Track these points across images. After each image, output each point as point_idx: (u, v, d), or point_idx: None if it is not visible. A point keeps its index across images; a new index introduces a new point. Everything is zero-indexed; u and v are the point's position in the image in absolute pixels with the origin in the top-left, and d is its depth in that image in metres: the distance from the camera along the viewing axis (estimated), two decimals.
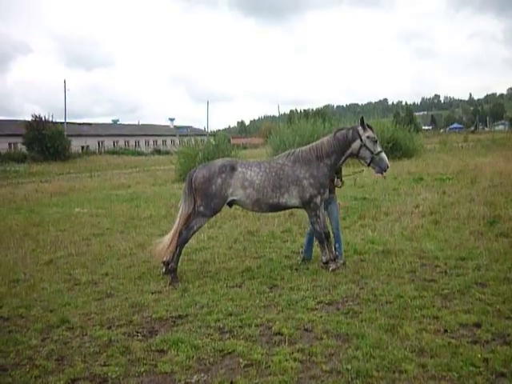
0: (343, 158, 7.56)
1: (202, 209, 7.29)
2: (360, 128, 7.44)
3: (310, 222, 7.63)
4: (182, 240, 7.36)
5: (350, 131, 7.48)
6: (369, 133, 7.42)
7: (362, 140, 7.39)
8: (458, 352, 4.43)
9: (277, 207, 7.54)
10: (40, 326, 5.68)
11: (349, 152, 7.48)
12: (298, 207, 7.70)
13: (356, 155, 7.51)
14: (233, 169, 7.31)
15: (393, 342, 4.72)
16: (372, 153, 7.39)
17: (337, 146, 7.45)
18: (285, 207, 7.62)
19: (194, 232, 7.48)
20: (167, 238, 7.49)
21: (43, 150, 46.34)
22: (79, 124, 72.14)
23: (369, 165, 7.53)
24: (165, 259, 7.47)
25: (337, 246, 7.78)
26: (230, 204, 7.53)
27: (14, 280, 7.66)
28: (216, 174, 7.25)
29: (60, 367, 4.65)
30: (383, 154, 7.44)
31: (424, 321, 5.21)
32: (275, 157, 7.98)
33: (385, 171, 7.56)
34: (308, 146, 7.72)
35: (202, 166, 7.72)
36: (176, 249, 7.37)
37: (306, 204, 7.40)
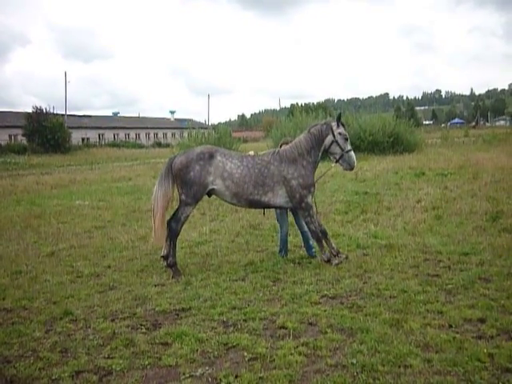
0: (320, 154, 7.57)
1: (183, 197, 7.27)
2: (334, 124, 7.48)
3: (305, 223, 7.57)
4: (172, 233, 7.34)
5: (324, 126, 7.51)
6: (341, 129, 7.47)
7: (334, 136, 7.42)
8: (463, 347, 4.42)
9: (258, 204, 7.46)
10: (43, 318, 5.67)
11: (322, 147, 7.51)
12: (283, 207, 7.63)
13: (326, 151, 7.53)
14: (211, 156, 7.25)
15: (397, 336, 4.71)
16: (342, 150, 7.45)
17: (313, 141, 7.46)
18: (267, 206, 7.53)
19: (183, 222, 7.44)
20: (152, 224, 7.48)
21: (43, 141, 46.25)
22: (79, 116, 71.98)
23: (337, 161, 7.56)
24: (163, 253, 7.44)
25: (311, 243, 7.79)
26: (209, 194, 7.48)
27: (16, 272, 7.64)
28: (194, 160, 7.20)
29: (64, 359, 4.64)
30: (352, 153, 7.53)
31: (428, 316, 5.20)
32: (260, 153, 7.93)
33: (352, 169, 7.75)
34: (289, 145, 7.68)
35: (182, 152, 7.71)
36: (170, 242, 7.36)
37: (297, 204, 7.35)
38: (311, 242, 7.77)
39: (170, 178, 7.37)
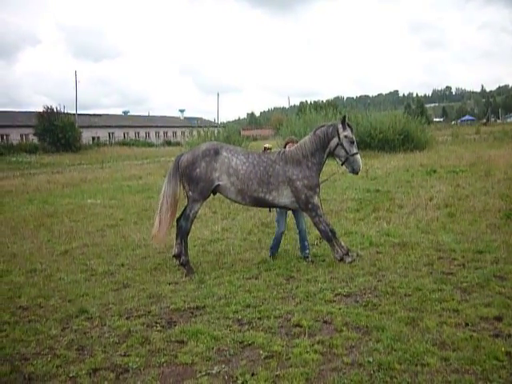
0: (325, 156, 7.50)
1: (191, 194, 7.33)
2: (340, 126, 7.38)
3: (313, 223, 7.53)
4: (183, 231, 7.39)
5: (330, 128, 7.43)
6: (347, 132, 7.34)
7: (339, 138, 7.34)
8: (480, 345, 4.40)
9: (262, 202, 7.45)
10: (59, 316, 5.72)
11: (328, 150, 7.44)
12: (289, 208, 7.59)
13: (332, 153, 7.46)
14: (217, 153, 7.29)
15: (413, 334, 4.69)
16: (347, 153, 7.34)
17: (318, 143, 7.40)
18: (271, 205, 7.53)
19: (192, 219, 7.48)
20: (156, 221, 7.52)
21: (55, 141, 46.60)
22: (90, 115, 72.36)
23: (342, 164, 7.48)
24: (174, 252, 7.47)
25: (306, 243, 7.72)
26: (214, 192, 7.49)
27: (31, 270, 7.72)
28: (199, 157, 7.26)
29: (81, 357, 4.68)
30: (358, 156, 7.40)
31: (444, 314, 5.17)
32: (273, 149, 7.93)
33: (356, 173, 7.59)
34: (294, 146, 7.66)
35: (188, 150, 7.75)
36: (181, 241, 7.39)
37: (304, 205, 7.33)
38: (306, 243, 7.73)
39: (177, 176, 7.44)
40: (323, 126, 7.59)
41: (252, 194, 7.29)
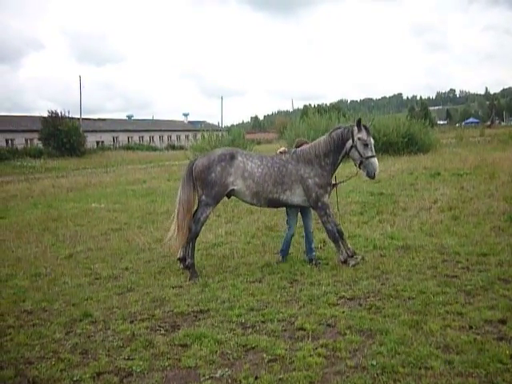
0: (340, 157, 7.49)
1: (204, 198, 7.33)
2: (355, 128, 7.33)
3: (322, 222, 7.56)
4: (192, 234, 7.40)
5: (346, 130, 7.41)
6: (361, 135, 7.24)
7: (353, 141, 7.31)
8: (484, 349, 4.38)
9: (277, 203, 7.50)
10: (63, 320, 5.74)
11: (344, 151, 7.43)
12: (301, 206, 7.61)
13: (347, 155, 7.45)
14: (232, 157, 7.31)
15: (417, 338, 4.68)
16: (361, 156, 7.28)
17: (332, 145, 7.40)
18: (285, 204, 7.57)
19: (202, 223, 7.49)
20: (172, 228, 7.56)
21: (59, 145, 46.76)
22: (94, 120, 72.63)
23: (359, 166, 7.44)
24: (179, 255, 7.50)
25: (313, 246, 7.72)
26: (229, 195, 7.53)
27: (35, 274, 7.74)
28: (215, 162, 7.27)
29: (85, 361, 4.69)
30: (373, 159, 7.25)
31: (448, 317, 5.15)
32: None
33: (372, 178, 7.44)
34: (307, 145, 7.68)
35: (203, 155, 7.80)
36: (188, 244, 7.40)
37: (314, 203, 7.36)
38: (313, 246, 7.73)
39: (191, 181, 7.45)
40: (339, 127, 7.59)
41: (267, 196, 7.34)
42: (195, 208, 7.54)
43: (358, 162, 7.37)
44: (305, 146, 7.67)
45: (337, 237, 7.36)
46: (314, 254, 7.67)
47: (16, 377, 4.45)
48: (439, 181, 15.26)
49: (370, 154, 7.26)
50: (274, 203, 7.52)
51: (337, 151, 7.42)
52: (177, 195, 7.64)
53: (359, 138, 7.26)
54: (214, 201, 7.36)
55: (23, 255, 9.03)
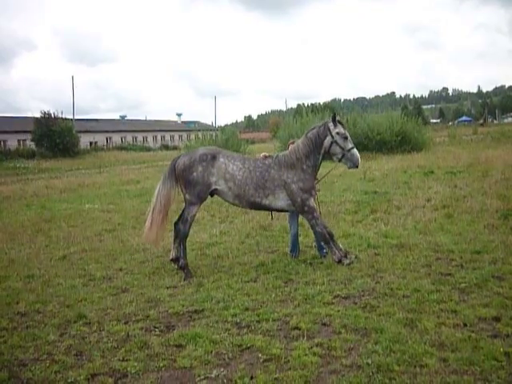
0: (320, 157, 7.51)
1: (188, 197, 7.36)
2: (331, 124, 7.41)
3: (310, 226, 7.57)
4: (181, 234, 7.41)
5: (321, 128, 7.47)
6: (339, 129, 7.38)
7: (332, 136, 7.36)
8: (478, 346, 4.40)
9: (259, 207, 7.51)
10: (57, 322, 5.71)
11: (323, 150, 7.45)
12: (285, 210, 7.68)
13: (328, 152, 7.48)
14: (214, 158, 7.33)
15: (412, 336, 4.69)
16: (343, 149, 7.37)
17: (311, 145, 7.43)
18: (268, 208, 7.58)
19: (190, 223, 7.49)
20: (147, 222, 7.58)
21: (52, 146, 46.54)
22: (87, 120, 72.40)
23: (340, 160, 7.50)
24: (172, 256, 7.47)
25: (322, 243, 7.74)
26: (212, 194, 7.53)
27: (28, 276, 7.69)
28: (197, 161, 7.28)
29: (79, 362, 4.67)
30: (354, 150, 7.42)
31: (442, 315, 5.17)
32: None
33: (356, 166, 7.55)
34: (288, 150, 7.71)
35: (185, 153, 7.82)
36: (179, 244, 7.40)
37: (300, 208, 7.36)
38: (322, 242, 7.75)
39: (173, 178, 7.50)
40: (314, 128, 7.63)
41: (249, 199, 7.34)
42: (171, 205, 7.67)
43: (340, 156, 7.43)
44: (285, 152, 7.68)
45: (327, 238, 7.35)
46: (325, 250, 7.76)
47: (10, 379, 4.42)
48: (433, 179, 15.33)
49: (350, 145, 7.42)
50: (257, 206, 7.51)
51: (316, 151, 7.44)
52: (155, 189, 7.66)
53: (338, 133, 7.37)
54: (198, 199, 7.37)
55: (16, 257, 8.97)
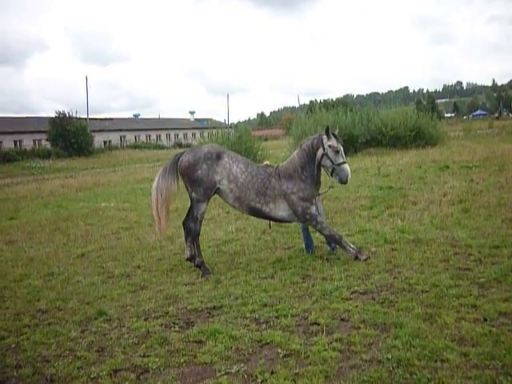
0: (316, 168, 7.47)
1: (194, 195, 7.35)
2: (324, 136, 7.38)
3: (318, 231, 7.59)
4: (193, 233, 7.40)
5: (315, 140, 7.45)
6: (331, 142, 7.32)
7: (324, 149, 7.34)
8: (499, 340, 4.37)
9: (259, 213, 7.47)
10: (78, 318, 5.79)
11: (316, 161, 7.43)
12: (286, 221, 7.68)
13: (319, 164, 7.45)
14: (219, 157, 7.31)
15: (432, 331, 4.67)
16: (333, 163, 7.31)
17: (305, 156, 7.42)
18: (268, 217, 7.54)
19: (200, 220, 7.49)
20: (154, 216, 7.56)
21: (67, 145, 47.06)
22: (101, 119, 72.93)
23: (331, 174, 7.47)
24: (187, 256, 7.48)
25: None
26: (214, 193, 7.51)
27: (48, 273, 7.81)
28: (201, 159, 7.26)
29: (101, 358, 4.73)
30: (345, 166, 7.32)
31: (462, 310, 5.14)
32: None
33: (344, 183, 7.50)
34: (286, 160, 7.72)
35: (189, 150, 7.76)
36: (192, 243, 7.42)
37: (302, 217, 7.36)
38: (334, 243, 7.75)
39: (174, 172, 7.46)
40: (308, 139, 7.64)
41: (249, 203, 7.33)
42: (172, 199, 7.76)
43: (330, 170, 7.40)
44: (284, 163, 7.69)
45: (338, 238, 7.35)
46: (334, 244, 7.74)
47: (34, 375, 4.51)
48: (448, 174, 15.17)
49: (341, 160, 7.33)
50: (257, 213, 7.49)
51: (311, 162, 7.42)
52: (154, 182, 7.60)
53: (330, 146, 7.32)
54: (205, 197, 7.36)
55: (36, 255, 9.11)
